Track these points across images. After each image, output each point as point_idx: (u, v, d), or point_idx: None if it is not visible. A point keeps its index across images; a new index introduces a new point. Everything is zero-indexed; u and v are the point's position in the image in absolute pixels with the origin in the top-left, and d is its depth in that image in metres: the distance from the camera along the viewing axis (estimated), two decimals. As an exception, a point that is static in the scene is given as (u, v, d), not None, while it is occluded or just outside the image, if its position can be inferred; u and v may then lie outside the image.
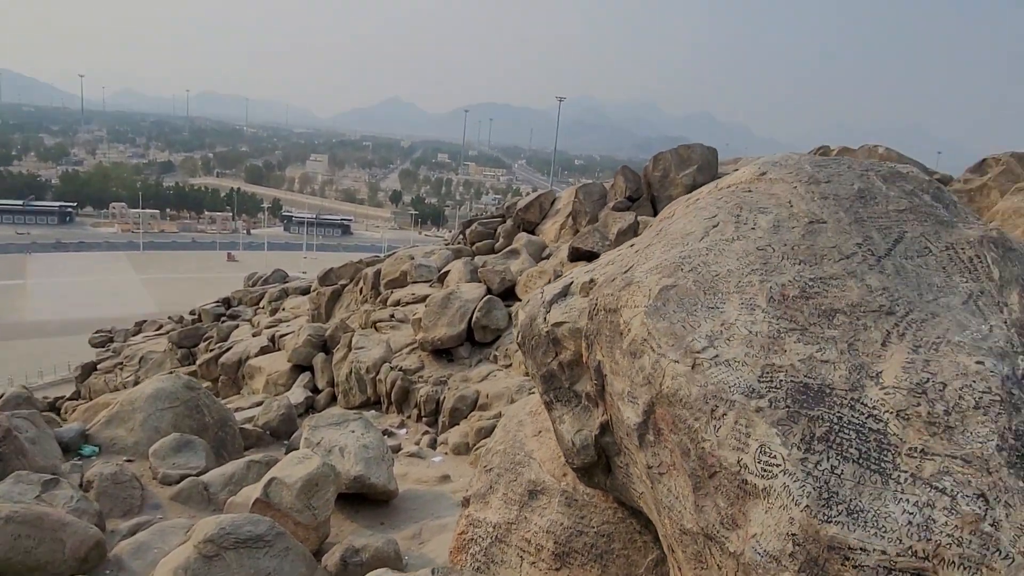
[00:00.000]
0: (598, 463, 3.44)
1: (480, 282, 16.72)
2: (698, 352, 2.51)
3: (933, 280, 2.72)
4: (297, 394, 14.78)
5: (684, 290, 2.80)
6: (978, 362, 2.24)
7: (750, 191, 3.33)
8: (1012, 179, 11.72)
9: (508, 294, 16.23)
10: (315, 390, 15.66)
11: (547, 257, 17.65)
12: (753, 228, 3.01)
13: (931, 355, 2.32)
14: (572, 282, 3.64)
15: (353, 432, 7.35)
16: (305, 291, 26.24)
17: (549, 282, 15.96)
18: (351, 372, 14.77)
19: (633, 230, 15.50)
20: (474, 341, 14.72)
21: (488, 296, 15.32)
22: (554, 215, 20.26)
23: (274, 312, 25.30)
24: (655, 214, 16.46)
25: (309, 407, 14.65)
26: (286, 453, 7.95)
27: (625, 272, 3.11)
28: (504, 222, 21.56)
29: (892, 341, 2.40)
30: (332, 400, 15.24)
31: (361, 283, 21.17)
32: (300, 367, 16.46)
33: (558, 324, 3.48)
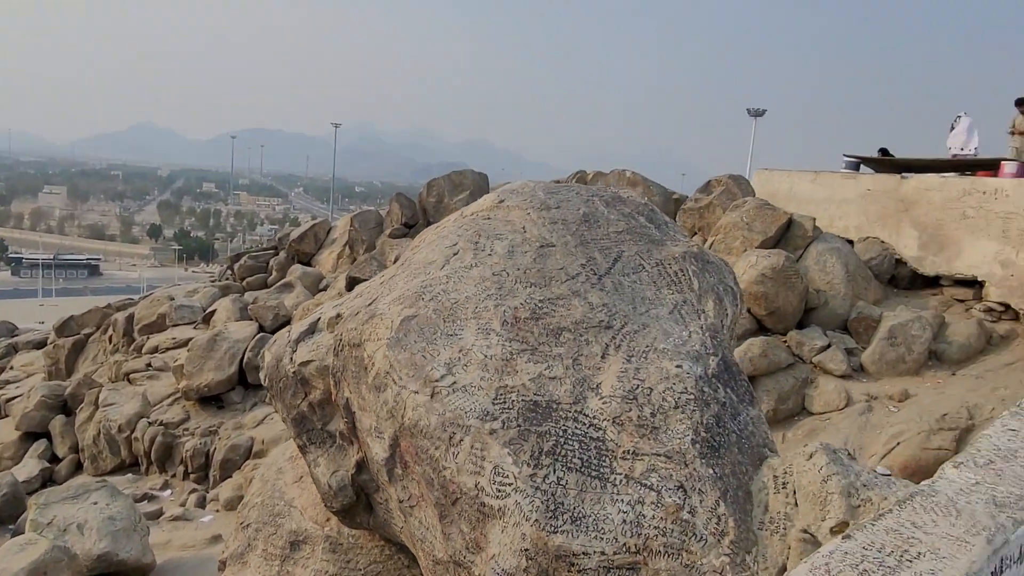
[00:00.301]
0: (359, 503, 3.33)
1: (251, 320, 15.68)
2: (436, 380, 2.53)
3: (646, 294, 3.02)
4: (29, 467, 12.66)
5: (425, 319, 2.81)
6: (678, 366, 2.52)
7: (489, 218, 3.46)
8: (731, 197, 13.57)
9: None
10: (54, 459, 13.53)
11: (324, 289, 17.06)
12: (490, 254, 3.12)
13: (641, 363, 2.56)
14: (319, 318, 3.51)
15: (95, 504, 6.44)
16: (41, 344, 22.73)
17: (326, 314, 15.29)
18: (99, 433, 12.99)
19: (410, 257, 15.57)
20: (247, 384, 13.70)
21: (260, 334, 14.40)
22: (330, 245, 19.69)
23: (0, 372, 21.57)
24: (431, 240, 16.72)
25: (47, 480, 12.60)
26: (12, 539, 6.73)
27: (369, 305, 3.07)
28: (277, 254, 20.50)
29: (610, 353, 2.62)
30: (78, 468, 13.27)
31: (111, 330, 18.81)
32: (33, 434, 14.12)
33: (305, 363, 3.34)
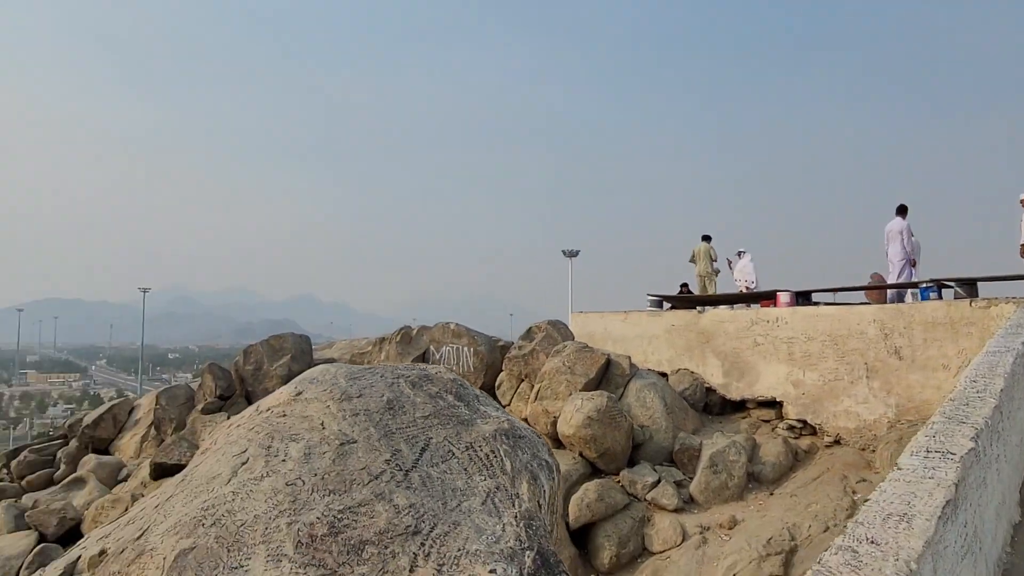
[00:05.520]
0: None
1: (31, 528, 13.30)
2: (213, 636, 2.14)
3: (456, 484, 2.85)
4: None
5: (204, 551, 2.42)
6: (491, 571, 2.34)
7: (285, 415, 3.18)
8: (552, 342, 14.09)
9: (73, 537, 13.16)
10: None
11: (124, 480, 15.02)
12: (284, 460, 2.83)
13: (453, 572, 2.35)
14: (80, 556, 2.93)
15: None
16: None
17: (126, 511, 13.29)
18: None
19: (227, 432, 14.24)
20: (22, 611, 11.35)
21: (42, 545, 12.18)
22: (133, 427, 17.61)
23: None
24: (251, 410, 15.49)
25: None
26: None
27: (139, 537, 2.61)
28: (67, 444, 17.95)
29: (419, 564, 2.39)
30: None
31: None
32: None
33: (56, 620, 2.73)
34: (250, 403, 16.80)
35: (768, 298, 13.49)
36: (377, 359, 16.52)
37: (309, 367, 16.84)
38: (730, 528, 8.92)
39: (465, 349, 15.00)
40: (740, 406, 12.09)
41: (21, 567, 11.62)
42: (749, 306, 14.96)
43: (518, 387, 13.13)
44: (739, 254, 17.27)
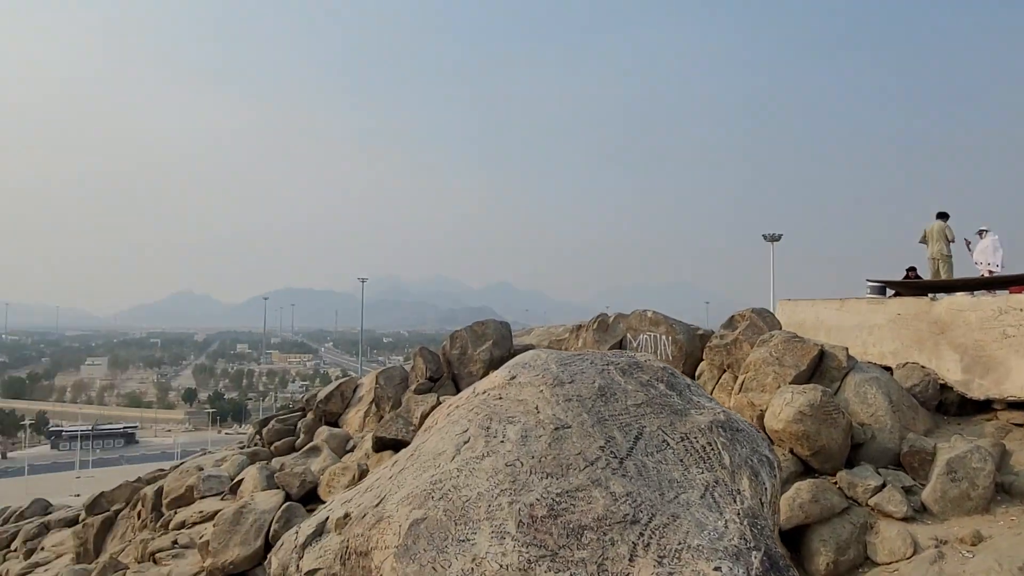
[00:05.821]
0: None
1: (279, 488, 15.29)
2: (448, 601, 2.29)
3: (673, 475, 2.79)
4: (47, 665, 11.91)
5: (435, 522, 2.60)
6: (716, 568, 2.25)
7: (501, 398, 3.32)
8: (757, 332, 13.34)
9: (311, 497, 14.93)
10: (74, 654, 12.74)
11: (351, 450, 16.72)
12: (502, 441, 2.95)
13: (675, 566, 2.29)
14: (328, 517, 3.30)
15: None
16: (72, 522, 22.22)
17: (353, 479, 14.64)
18: (121, 623, 12.29)
19: (437, 411, 15.26)
20: (273, 558, 13.10)
21: (287, 503, 13.93)
22: (357, 403, 19.52)
23: (30, 554, 20.92)
24: (457, 391, 16.48)
25: None
26: None
27: (377, 504, 2.87)
28: (305, 416, 20.35)
29: (638, 554, 2.36)
30: (97, 663, 12.45)
31: (140, 505, 18.42)
32: (54, 626, 13.43)
33: (312, 572, 3.09)
34: (456, 385, 17.87)
35: (1020, 283, 11.67)
36: (574, 346, 16.74)
37: (510, 352, 17.49)
38: (973, 544, 7.86)
39: (663, 337, 14.69)
40: (984, 407, 10.59)
41: (272, 520, 13.37)
42: (994, 293, 13.09)
43: (720, 378, 12.60)
44: (980, 233, 15.12)
